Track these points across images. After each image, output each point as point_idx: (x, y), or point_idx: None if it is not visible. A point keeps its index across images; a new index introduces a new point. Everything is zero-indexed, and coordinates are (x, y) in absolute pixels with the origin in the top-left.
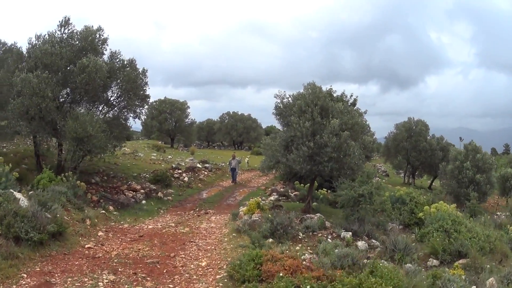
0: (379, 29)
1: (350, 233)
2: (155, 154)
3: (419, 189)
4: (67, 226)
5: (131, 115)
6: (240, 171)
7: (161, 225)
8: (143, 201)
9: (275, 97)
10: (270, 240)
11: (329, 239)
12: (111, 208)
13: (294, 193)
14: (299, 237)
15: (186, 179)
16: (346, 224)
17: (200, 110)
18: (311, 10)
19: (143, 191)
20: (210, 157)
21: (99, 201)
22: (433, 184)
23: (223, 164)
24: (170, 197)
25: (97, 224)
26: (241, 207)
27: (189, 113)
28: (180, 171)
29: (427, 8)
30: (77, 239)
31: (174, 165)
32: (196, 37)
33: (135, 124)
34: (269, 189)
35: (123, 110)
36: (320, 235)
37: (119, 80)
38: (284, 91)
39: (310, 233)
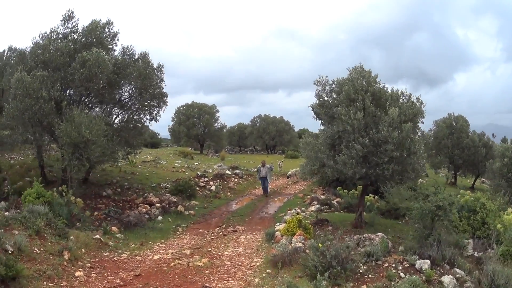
0: (406, 28)
1: (428, 262)
2: (180, 161)
3: (464, 189)
4: (20, 269)
5: (147, 117)
6: (274, 176)
7: (172, 253)
8: (159, 217)
9: (314, 83)
10: (324, 283)
11: (400, 272)
12: (114, 229)
13: (336, 200)
14: (360, 270)
15: (213, 188)
16: (418, 247)
17: (231, 116)
18: (339, 13)
19: (158, 205)
20: (241, 162)
21: (105, 219)
22: (475, 183)
23: (255, 169)
24: (192, 211)
25: (81, 256)
26: (277, 223)
27: (219, 117)
28: (206, 179)
29: (452, 6)
30: (39, 285)
31: (199, 173)
32: (226, 43)
33: (164, 132)
34: (308, 197)
35: (136, 112)
36: (386, 265)
37: (129, 77)
38: (326, 76)
39: (373, 263)
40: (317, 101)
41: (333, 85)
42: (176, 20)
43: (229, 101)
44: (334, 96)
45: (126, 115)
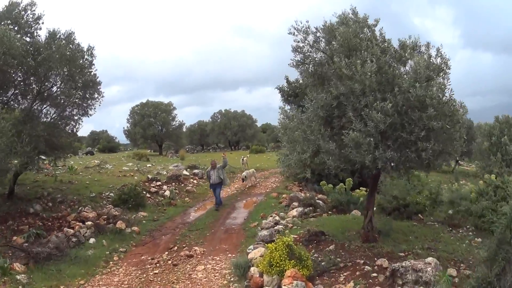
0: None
1: None
2: (131, 164)
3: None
4: None
5: (76, 111)
6: (240, 173)
7: None
8: (91, 240)
9: (290, 33)
10: None
11: None
12: (17, 266)
13: (318, 198)
14: None
15: (167, 193)
16: (495, 280)
17: (193, 116)
18: (296, 8)
19: (90, 222)
20: (202, 160)
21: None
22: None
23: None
24: (136, 227)
25: None
26: (250, 247)
27: (176, 115)
28: (159, 183)
29: None
30: None
31: (151, 176)
32: (184, 45)
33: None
34: (284, 196)
35: (61, 105)
36: None
37: (49, 62)
38: (307, 22)
39: None
40: (297, 58)
41: (319, 33)
42: (131, 25)
43: (190, 101)
44: (324, 45)
45: (51, 110)
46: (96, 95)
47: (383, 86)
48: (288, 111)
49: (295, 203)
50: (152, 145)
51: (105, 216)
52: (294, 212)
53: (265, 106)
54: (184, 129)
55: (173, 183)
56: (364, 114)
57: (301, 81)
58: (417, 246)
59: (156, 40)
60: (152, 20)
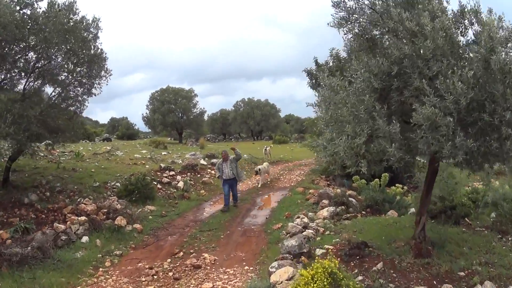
0: None
1: None
2: (144, 151)
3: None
4: None
5: (79, 90)
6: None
7: None
8: (84, 238)
9: None
10: None
11: None
12: None
13: (349, 195)
14: None
15: (180, 184)
16: None
17: (216, 106)
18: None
19: (83, 218)
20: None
21: None
22: None
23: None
24: (138, 224)
25: None
26: (275, 263)
27: (198, 102)
28: (172, 172)
29: None
30: None
31: (163, 165)
32: (208, 36)
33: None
34: (311, 191)
35: (62, 83)
36: None
37: (43, 32)
38: None
39: None
40: (339, 14)
41: None
42: (156, 14)
43: (214, 91)
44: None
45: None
46: (102, 73)
47: (454, 50)
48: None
49: (325, 201)
50: (173, 133)
51: (106, 210)
52: (324, 212)
53: (289, 98)
54: (206, 118)
55: (188, 173)
56: (438, 84)
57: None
58: (475, 261)
59: (181, 30)
60: (177, 9)
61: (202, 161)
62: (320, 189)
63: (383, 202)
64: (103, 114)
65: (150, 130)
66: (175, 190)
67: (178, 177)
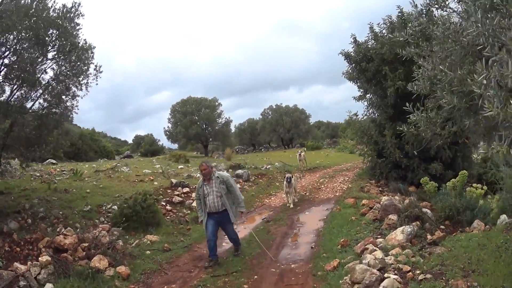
0: (408, 6)
1: None
2: (158, 165)
3: None
4: None
5: (59, 89)
6: (297, 173)
7: None
8: (47, 286)
9: None
10: None
11: None
12: None
13: (419, 202)
14: None
15: (196, 203)
16: None
17: (245, 118)
18: (340, 1)
19: (46, 258)
20: (251, 160)
21: None
22: None
23: (269, 167)
24: (124, 268)
25: None
26: None
27: (222, 111)
28: (186, 189)
29: None
30: None
31: (175, 181)
32: (231, 46)
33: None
34: (365, 202)
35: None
36: None
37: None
38: None
39: None
40: None
41: None
42: (178, 25)
43: (241, 103)
44: None
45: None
46: (84, 67)
47: None
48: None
49: (393, 217)
50: (198, 146)
51: (87, 244)
52: (399, 235)
53: (316, 104)
54: (233, 128)
55: None
56: None
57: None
58: None
59: (203, 40)
60: (197, 19)
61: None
62: (374, 198)
63: (464, 210)
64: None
65: (175, 145)
66: (188, 212)
67: (194, 195)
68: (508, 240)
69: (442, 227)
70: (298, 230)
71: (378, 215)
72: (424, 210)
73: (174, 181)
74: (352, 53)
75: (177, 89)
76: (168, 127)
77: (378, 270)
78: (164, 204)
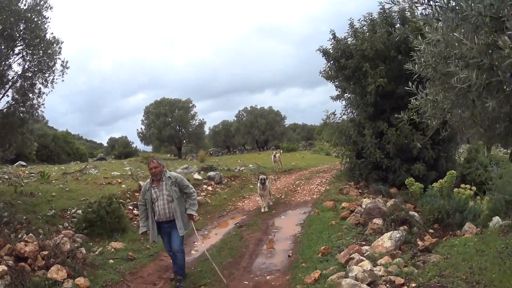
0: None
1: None
2: (128, 167)
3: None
4: None
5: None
6: (272, 175)
7: None
8: None
9: None
10: None
11: None
12: None
13: (404, 205)
14: None
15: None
16: None
17: (220, 120)
18: (319, 5)
19: (3, 268)
20: (225, 162)
21: None
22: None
23: (242, 168)
24: (83, 279)
25: None
26: None
27: (196, 113)
28: None
29: None
30: None
31: (143, 183)
32: (208, 48)
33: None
34: (345, 205)
35: None
36: None
37: None
38: None
39: None
40: None
41: None
42: (156, 27)
43: (218, 106)
44: None
45: None
46: (51, 63)
47: None
48: None
49: (378, 221)
50: (173, 148)
51: (46, 253)
52: (386, 242)
53: (292, 107)
54: (208, 131)
55: None
56: None
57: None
58: None
59: (180, 43)
60: (175, 21)
61: (196, 175)
62: (354, 200)
63: (454, 212)
64: (108, 136)
65: (149, 148)
66: None
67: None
68: (508, 244)
69: (431, 231)
70: (274, 236)
71: (361, 219)
72: (411, 213)
73: (142, 183)
74: (330, 50)
75: (153, 92)
76: (141, 129)
77: (367, 284)
78: (131, 208)
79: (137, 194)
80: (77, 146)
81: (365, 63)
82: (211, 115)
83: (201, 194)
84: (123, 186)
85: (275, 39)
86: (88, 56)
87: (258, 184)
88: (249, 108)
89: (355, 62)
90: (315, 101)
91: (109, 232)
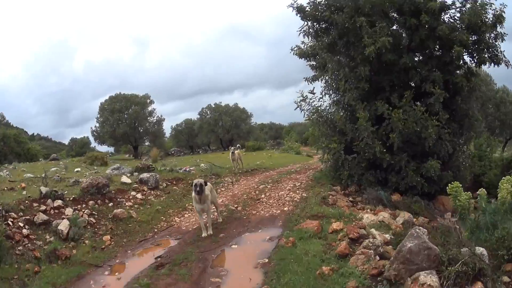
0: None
1: None
2: (54, 169)
3: None
4: None
5: None
6: (229, 177)
7: None
8: None
9: None
10: None
11: None
12: None
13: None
14: None
15: (64, 227)
16: None
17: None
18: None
19: None
20: (183, 163)
21: None
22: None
23: (191, 169)
24: None
25: None
26: None
27: (154, 109)
28: (59, 202)
29: None
30: None
31: (45, 190)
32: (179, 49)
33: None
34: (337, 228)
35: None
36: None
37: None
38: None
39: None
40: None
41: None
42: (127, 28)
43: (186, 107)
44: None
45: None
46: None
47: None
48: None
49: (427, 278)
50: (130, 147)
51: None
52: None
53: (261, 108)
54: (170, 130)
55: (91, 202)
56: None
57: None
58: None
59: (151, 44)
60: (147, 21)
61: (123, 178)
62: (350, 216)
63: None
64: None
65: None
66: (51, 239)
67: (69, 210)
68: None
69: (505, 279)
70: None
71: (391, 269)
72: (478, 250)
73: (44, 190)
74: (307, 7)
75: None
76: (95, 127)
77: None
78: (21, 225)
79: (35, 204)
80: (28, 147)
81: (360, 18)
82: (179, 116)
83: (126, 204)
84: (24, 193)
85: (247, 41)
86: (60, 57)
87: (193, 193)
88: (213, 106)
89: (344, 17)
90: (284, 102)
91: None
